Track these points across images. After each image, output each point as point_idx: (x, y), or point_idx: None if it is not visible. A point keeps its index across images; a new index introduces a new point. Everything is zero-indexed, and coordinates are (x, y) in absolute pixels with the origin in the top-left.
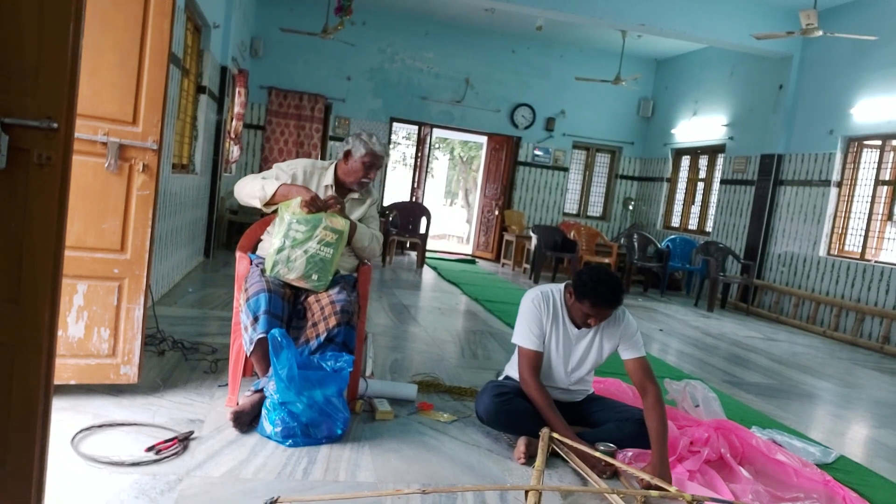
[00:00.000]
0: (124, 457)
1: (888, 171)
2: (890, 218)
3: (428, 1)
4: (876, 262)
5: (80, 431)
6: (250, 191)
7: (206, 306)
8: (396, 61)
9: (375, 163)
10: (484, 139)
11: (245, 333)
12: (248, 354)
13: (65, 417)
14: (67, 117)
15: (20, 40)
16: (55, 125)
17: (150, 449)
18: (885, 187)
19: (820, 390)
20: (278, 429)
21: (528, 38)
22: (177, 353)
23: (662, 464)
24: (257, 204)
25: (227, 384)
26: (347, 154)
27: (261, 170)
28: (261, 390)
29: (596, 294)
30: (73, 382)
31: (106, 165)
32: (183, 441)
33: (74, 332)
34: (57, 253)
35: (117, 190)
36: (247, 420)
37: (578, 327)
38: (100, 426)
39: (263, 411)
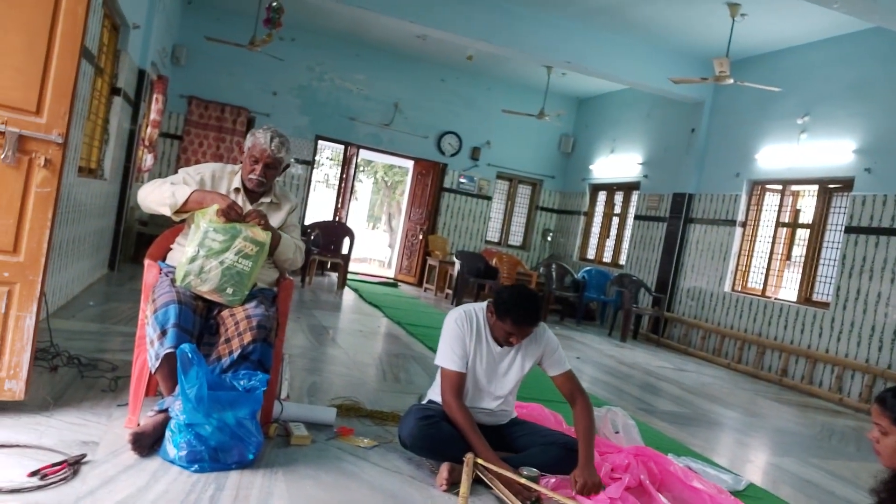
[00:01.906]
0: (3, 482)
1: (787, 214)
2: (788, 258)
3: (360, 24)
4: (776, 298)
5: None
6: (158, 197)
7: (109, 321)
8: (325, 80)
9: (262, 158)
10: (410, 164)
11: (150, 348)
12: (153, 371)
13: None
14: None
15: None
16: None
17: (33, 474)
18: (785, 229)
19: (727, 419)
20: (183, 452)
21: (458, 69)
22: (72, 370)
23: (589, 463)
24: (167, 212)
25: (127, 403)
26: (242, 151)
27: None
28: (165, 410)
29: (517, 313)
30: None
31: (2, 157)
32: (73, 465)
33: None
34: None
35: (14, 185)
36: (148, 443)
37: (501, 345)
38: None
39: (167, 433)
